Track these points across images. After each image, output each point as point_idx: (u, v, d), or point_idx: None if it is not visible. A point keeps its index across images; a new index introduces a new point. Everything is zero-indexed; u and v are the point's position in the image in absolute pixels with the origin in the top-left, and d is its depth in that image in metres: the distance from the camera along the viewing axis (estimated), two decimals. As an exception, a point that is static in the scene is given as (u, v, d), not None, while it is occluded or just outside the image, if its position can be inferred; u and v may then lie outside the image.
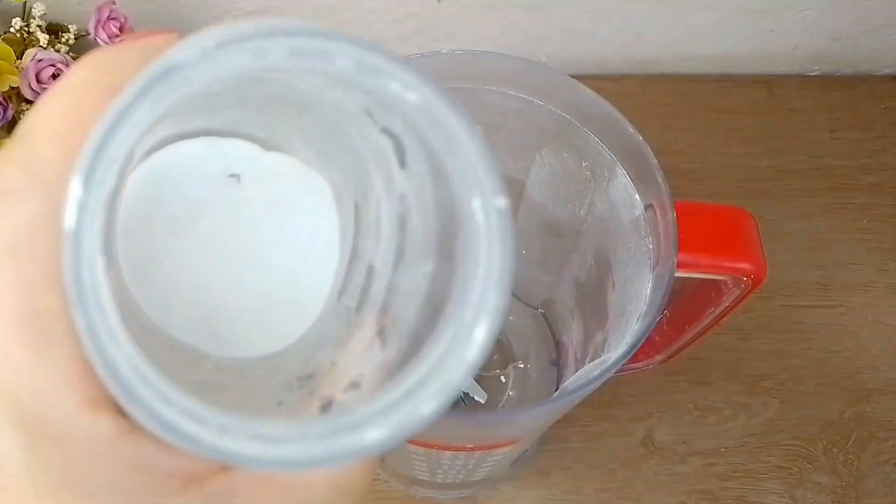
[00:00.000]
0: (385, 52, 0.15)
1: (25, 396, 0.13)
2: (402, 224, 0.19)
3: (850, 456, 0.47)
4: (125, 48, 0.15)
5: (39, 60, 0.45)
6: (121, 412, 0.13)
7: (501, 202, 0.16)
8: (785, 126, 0.59)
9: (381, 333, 0.19)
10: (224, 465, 0.15)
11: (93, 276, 0.13)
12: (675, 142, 0.58)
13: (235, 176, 0.20)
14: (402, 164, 0.18)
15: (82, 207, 0.13)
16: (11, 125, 0.47)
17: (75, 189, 0.13)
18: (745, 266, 0.34)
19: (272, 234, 0.19)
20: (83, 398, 0.13)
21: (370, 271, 0.20)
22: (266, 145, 0.20)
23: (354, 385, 0.18)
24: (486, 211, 0.16)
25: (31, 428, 0.13)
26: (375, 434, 0.15)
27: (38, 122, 0.14)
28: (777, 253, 0.52)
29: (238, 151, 0.19)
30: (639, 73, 0.61)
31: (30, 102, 0.46)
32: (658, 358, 0.42)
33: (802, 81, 0.61)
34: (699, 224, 0.33)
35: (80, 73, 0.15)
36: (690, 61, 0.61)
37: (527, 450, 0.45)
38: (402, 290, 0.19)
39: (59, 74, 0.46)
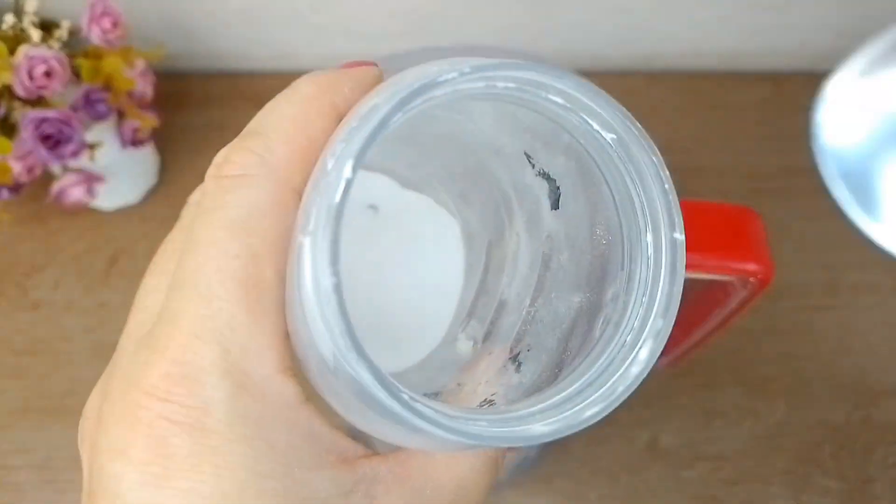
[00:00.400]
0: (594, 91, 0.16)
1: (235, 351, 0.15)
2: (546, 261, 0.20)
3: (858, 459, 0.46)
4: (341, 73, 0.18)
5: (32, 57, 0.45)
6: (299, 382, 0.16)
7: (678, 236, 0.17)
8: (792, 124, 0.58)
9: (516, 359, 0.20)
10: (368, 454, 0.17)
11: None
12: (681, 139, 0.57)
13: (374, 207, 0.22)
14: (556, 205, 0.20)
15: (348, 186, 0.14)
16: (3, 122, 0.46)
17: (347, 171, 0.14)
18: (753, 267, 0.33)
19: (402, 264, 0.21)
20: (279, 363, 0.15)
21: (501, 305, 0.21)
22: (405, 182, 0.21)
23: (489, 402, 0.19)
24: (657, 244, 0.17)
25: (235, 379, 0.15)
26: (543, 428, 0.16)
27: (272, 122, 0.17)
28: (784, 253, 0.51)
29: (380, 185, 0.21)
30: (643, 69, 0.61)
31: (22, 100, 0.46)
32: (663, 361, 0.41)
33: (810, 78, 0.60)
34: (705, 224, 0.32)
35: (307, 88, 0.17)
36: (696, 57, 0.60)
37: (528, 455, 0.44)
38: (543, 320, 0.20)
39: (51, 72, 0.45)
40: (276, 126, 0.17)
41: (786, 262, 0.51)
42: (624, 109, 0.16)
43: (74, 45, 0.49)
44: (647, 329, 0.17)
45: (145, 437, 0.15)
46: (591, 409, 0.17)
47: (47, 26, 0.48)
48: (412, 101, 0.15)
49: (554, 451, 0.46)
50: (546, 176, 0.20)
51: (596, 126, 0.17)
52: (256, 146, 0.16)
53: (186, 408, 0.15)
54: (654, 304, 0.17)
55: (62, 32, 0.48)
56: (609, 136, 0.17)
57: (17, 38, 0.46)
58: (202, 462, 0.15)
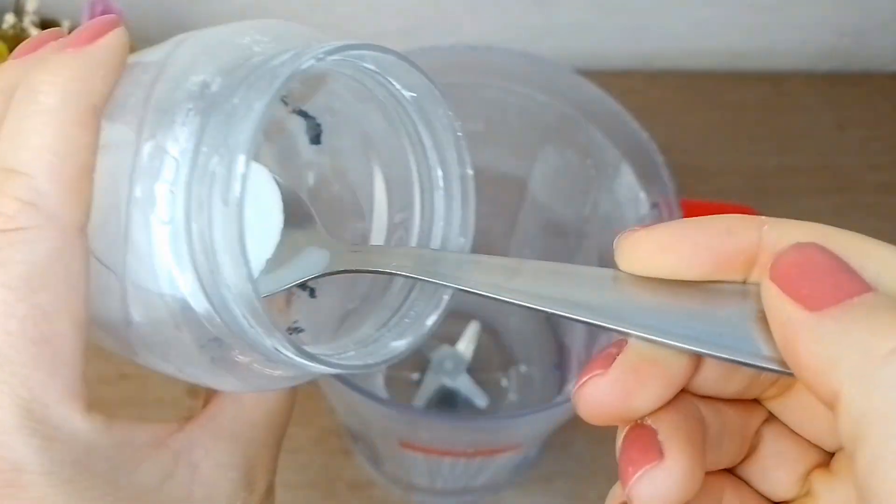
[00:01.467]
0: (397, 54, 0.19)
1: (38, 409, 0.15)
2: (314, 193, 0.23)
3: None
4: (84, 61, 0.16)
5: (32, 56, 0.45)
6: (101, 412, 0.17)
7: (468, 171, 0.20)
8: (792, 123, 0.58)
9: (306, 286, 0.23)
10: (178, 427, 0.18)
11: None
12: (681, 139, 0.57)
13: None
14: (316, 140, 0.23)
15: (244, 180, 0.15)
16: (3, 122, 0.46)
17: (241, 166, 0.15)
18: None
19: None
20: (82, 406, 0.16)
21: None
22: None
23: (296, 330, 0.22)
24: (447, 178, 0.21)
25: (43, 433, 0.15)
26: (398, 343, 0.20)
27: (29, 156, 0.15)
28: (784, 253, 0.51)
29: None
30: (644, 68, 0.61)
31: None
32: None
33: (810, 78, 0.60)
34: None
35: (51, 99, 0.15)
36: (696, 57, 0.60)
37: (529, 455, 0.44)
38: None
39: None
40: (36, 161, 0.15)
41: (786, 262, 0.51)
42: (427, 74, 0.19)
43: (74, 45, 0.49)
44: (449, 246, 0.21)
45: None
46: (429, 318, 0.20)
47: (47, 26, 0.48)
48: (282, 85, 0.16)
49: (554, 451, 0.46)
50: (303, 113, 0.22)
51: (398, 87, 0.20)
52: (23, 192, 0.15)
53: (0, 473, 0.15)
54: (452, 227, 0.21)
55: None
56: (409, 95, 0.20)
57: (17, 38, 0.46)
58: None
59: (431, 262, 0.19)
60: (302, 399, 0.47)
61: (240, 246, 0.16)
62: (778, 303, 0.14)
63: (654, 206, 0.33)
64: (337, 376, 0.29)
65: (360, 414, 0.34)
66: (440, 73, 0.35)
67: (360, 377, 0.45)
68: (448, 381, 0.45)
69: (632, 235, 0.16)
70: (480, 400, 0.45)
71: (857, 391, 0.13)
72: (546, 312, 0.17)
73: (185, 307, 0.17)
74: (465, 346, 0.46)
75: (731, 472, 0.18)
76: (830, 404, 0.14)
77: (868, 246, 0.15)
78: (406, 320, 0.21)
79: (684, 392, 0.16)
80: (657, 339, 0.15)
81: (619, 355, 0.16)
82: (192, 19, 0.55)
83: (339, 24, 0.56)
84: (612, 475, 0.50)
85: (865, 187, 0.55)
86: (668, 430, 0.15)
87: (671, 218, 0.32)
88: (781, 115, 0.58)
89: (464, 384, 0.45)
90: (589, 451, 0.46)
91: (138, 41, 0.52)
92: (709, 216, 0.16)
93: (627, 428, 0.16)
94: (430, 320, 0.20)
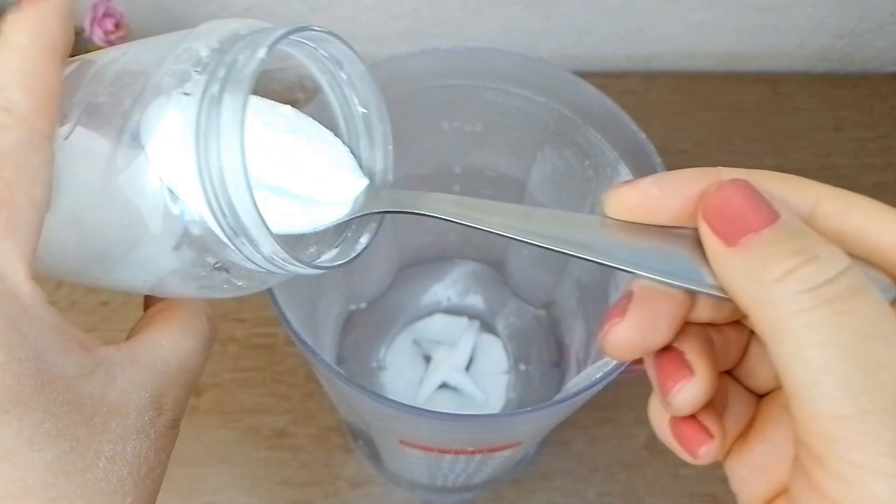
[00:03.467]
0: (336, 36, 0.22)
1: None
2: None
3: (856, 458, 0.46)
4: (43, 10, 0.20)
5: (34, 58, 0.45)
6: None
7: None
8: (789, 124, 0.58)
9: None
10: (102, 345, 0.20)
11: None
12: (679, 140, 0.57)
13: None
14: None
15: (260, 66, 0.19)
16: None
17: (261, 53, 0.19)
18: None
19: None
20: (27, 271, 0.18)
21: None
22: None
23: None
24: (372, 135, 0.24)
25: None
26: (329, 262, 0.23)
27: (4, 76, 0.19)
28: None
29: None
30: (641, 70, 0.61)
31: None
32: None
33: (807, 79, 0.61)
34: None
35: (20, 38, 0.20)
36: (694, 59, 0.60)
37: (528, 453, 0.45)
38: None
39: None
40: (10, 80, 0.19)
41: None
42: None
43: (77, 47, 0.49)
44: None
45: None
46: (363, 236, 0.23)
47: (49, 28, 0.48)
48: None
49: (553, 449, 0.46)
50: None
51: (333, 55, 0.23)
52: (1, 101, 0.19)
53: None
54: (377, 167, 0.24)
55: (64, 34, 0.48)
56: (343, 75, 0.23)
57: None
58: None
59: (457, 205, 0.21)
60: (302, 398, 0.48)
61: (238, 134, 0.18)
62: (707, 239, 0.18)
63: (652, 206, 0.33)
64: (338, 375, 0.29)
65: (360, 412, 0.34)
66: (440, 74, 0.36)
67: (361, 377, 0.45)
68: (448, 380, 0.45)
69: (618, 187, 0.19)
70: (480, 398, 0.45)
71: (757, 314, 0.17)
72: (553, 250, 0.19)
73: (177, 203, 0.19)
74: (465, 345, 0.46)
75: (728, 373, 0.22)
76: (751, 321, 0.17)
77: (803, 183, 0.19)
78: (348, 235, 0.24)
79: (690, 323, 0.20)
80: (633, 271, 0.18)
81: (630, 303, 0.19)
82: (193, 20, 0.56)
83: (340, 26, 0.57)
84: (611, 473, 0.51)
85: (861, 188, 0.55)
86: (692, 351, 0.19)
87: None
88: (778, 117, 0.59)
89: (463, 382, 0.45)
90: (587, 449, 0.46)
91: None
92: (678, 170, 0.19)
93: (656, 354, 0.20)
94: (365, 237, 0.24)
